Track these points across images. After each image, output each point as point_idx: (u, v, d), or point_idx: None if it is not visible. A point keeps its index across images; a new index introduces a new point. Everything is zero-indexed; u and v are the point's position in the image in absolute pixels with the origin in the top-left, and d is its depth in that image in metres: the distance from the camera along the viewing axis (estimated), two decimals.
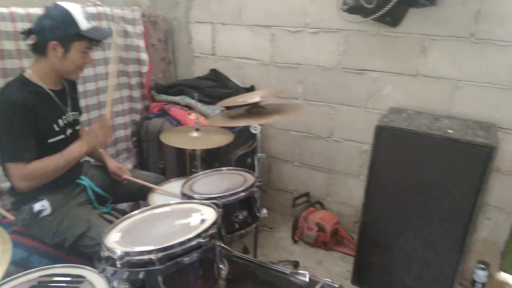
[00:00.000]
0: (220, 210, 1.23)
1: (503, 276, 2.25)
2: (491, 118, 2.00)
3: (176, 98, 2.44)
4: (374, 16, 1.89)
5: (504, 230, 2.16)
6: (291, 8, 2.37)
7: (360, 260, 2.12)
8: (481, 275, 2.13)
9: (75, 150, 1.51)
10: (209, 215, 1.19)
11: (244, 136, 2.34)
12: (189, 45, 2.81)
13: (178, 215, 1.23)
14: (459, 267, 1.86)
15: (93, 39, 1.52)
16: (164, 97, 2.50)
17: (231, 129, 2.03)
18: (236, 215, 1.41)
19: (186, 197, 1.41)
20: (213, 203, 1.27)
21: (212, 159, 2.20)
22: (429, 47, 2.05)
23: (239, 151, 2.36)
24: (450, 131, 1.76)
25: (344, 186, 2.56)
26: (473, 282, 2.16)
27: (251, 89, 2.59)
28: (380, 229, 2.00)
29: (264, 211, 1.65)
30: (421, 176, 1.80)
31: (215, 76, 2.64)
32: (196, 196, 1.39)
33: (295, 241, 2.53)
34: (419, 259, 1.92)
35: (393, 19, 1.98)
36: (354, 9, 2.00)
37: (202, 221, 1.16)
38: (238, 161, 2.33)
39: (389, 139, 1.82)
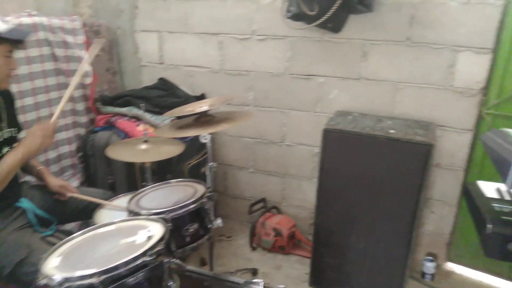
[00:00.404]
0: (169, 224, 1.20)
1: (450, 265, 2.38)
2: (430, 117, 2.12)
3: (123, 110, 2.36)
4: (317, 22, 1.94)
5: (448, 222, 2.30)
6: (237, 16, 2.38)
7: (316, 262, 2.16)
8: (429, 266, 2.24)
9: (9, 157, 1.39)
10: (156, 231, 1.16)
11: (196, 145, 2.31)
12: (135, 54, 2.74)
13: (124, 234, 1.19)
14: (408, 261, 1.94)
15: (14, 40, 1.42)
16: (110, 109, 2.41)
17: (182, 139, 2.00)
18: (187, 228, 1.38)
19: (133, 213, 1.36)
20: (161, 218, 1.24)
21: (164, 171, 2.15)
22: (369, 52, 2.15)
23: (192, 161, 2.32)
24: (392, 131, 1.84)
25: (298, 189, 2.60)
26: (423, 274, 2.27)
27: (201, 97, 2.57)
28: (333, 229, 2.05)
29: (219, 221, 1.64)
30: (368, 176, 1.87)
31: (164, 85, 2.59)
32: (143, 212, 1.34)
33: (253, 248, 2.52)
34: (371, 256, 1.98)
35: (334, 25, 2.05)
36: (297, 16, 2.04)
37: (149, 238, 1.12)
38: (191, 172, 2.29)
39: (336, 142, 1.88)
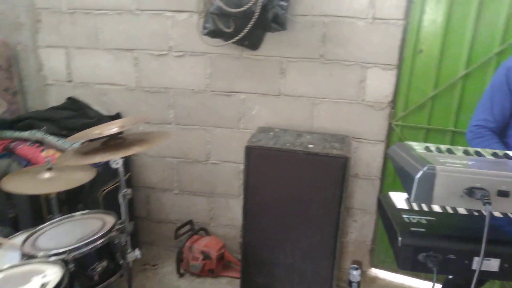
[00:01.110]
0: (71, 266, 1.06)
1: (374, 271, 2.48)
2: (346, 130, 2.21)
3: (25, 134, 2.11)
4: (233, 40, 1.93)
5: (370, 229, 2.40)
6: (152, 31, 2.28)
7: (246, 282, 2.10)
8: (355, 274, 2.30)
9: None
10: (53, 275, 1.01)
11: (111, 169, 2.13)
12: (39, 72, 2.48)
13: (14, 283, 1.01)
14: (334, 271, 1.98)
15: None
16: (9, 133, 2.14)
17: (94, 163, 1.82)
18: (94, 267, 1.23)
19: (26, 256, 1.18)
20: (61, 259, 1.08)
21: (74, 200, 1.94)
22: (287, 68, 2.19)
23: (107, 187, 2.14)
24: (311, 146, 1.88)
25: (226, 208, 2.54)
26: (350, 282, 2.32)
27: (116, 116, 2.40)
28: (261, 247, 2.02)
29: (137, 252, 1.51)
30: (291, 190, 1.88)
31: (74, 105, 2.38)
32: (39, 253, 1.17)
33: (181, 275, 2.39)
34: (299, 271, 1.98)
35: (251, 42, 2.06)
36: (214, 33, 2.01)
37: (43, 285, 0.97)
38: (107, 199, 2.11)
39: (259, 159, 1.86)
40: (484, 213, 0.78)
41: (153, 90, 2.40)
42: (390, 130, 2.20)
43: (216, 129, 2.39)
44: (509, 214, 0.99)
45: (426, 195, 0.83)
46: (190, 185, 2.54)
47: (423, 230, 0.98)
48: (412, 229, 0.99)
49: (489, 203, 0.76)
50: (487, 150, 1.05)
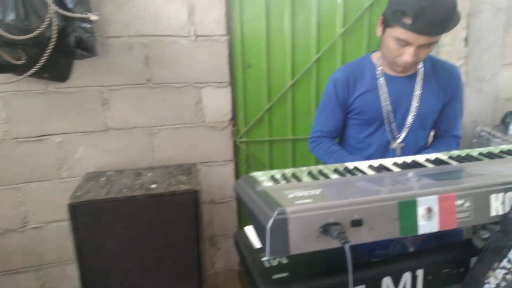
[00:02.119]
0: None
1: None
2: (191, 157, 2.03)
3: None
4: (28, 73, 1.52)
5: (235, 253, 2.27)
6: None
7: None
8: None
9: None
10: None
11: None
12: None
13: None
14: None
15: None
16: None
17: None
18: None
19: None
20: None
21: None
22: (110, 98, 1.87)
23: None
24: (153, 186, 1.62)
25: (63, 277, 2.04)
26: None
27: None
28: None
29: None
30: (138, 242, 1.59)
31: None
32: None
33: None
34: None
35: (55, 74, 1.67)
36: (0, 68, 1.55)
37: None
38: None
39: (89, 216, 1.51)
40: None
41: None
42: (236, 147, 2.12)
43: (29, 185, 1.88)
44: None
45: (282, 246, 0.70)
46: (6, 264, 1.95)
47: (286, 274, 0.85)
48: (274, 276, 0.85)
49: (348, 242, 0.67)
50: (329, 166, 1.00)
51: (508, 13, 2.23)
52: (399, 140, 1.44)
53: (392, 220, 0.74)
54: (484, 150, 1.08)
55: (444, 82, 1.43)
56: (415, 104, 1.41)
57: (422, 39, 1.21)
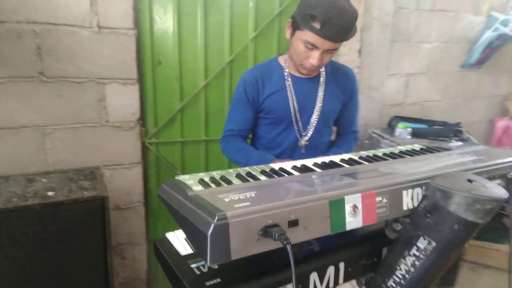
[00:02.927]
0: None
1: None
2: (93, 160, 1.85)
3: None
4: None
5: (143, 262, 2.14)
6: None
7: None
8: None
9: None
10: None
11: None
12: None
13: None
14: None
15: None
16: None
17: None
18: None
19: None
20: None
21: None
22: None
23: None
24: (50, 193, 1.43)
25: None
26: None
27: None
28: None
29: None
30: (35, 256, 1.37)
31: None
32: None
33: None
34: None
35: None
36: None
37: None
38: None
39: None
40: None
41: None
42: (145, 149, 2.00)
43: None
44: None
45: (223, 252, 0.67)
46: None
47: (218, 280, 0.83)
48: (207, 283, 0.82)
49: (289, 242, 0.68)
50: (256, 168, 1.01)
51: (393, 29, 2.55)
52: (306, 138, 1.53)
53: (324, 218, 0.78)
54: (387, 150, 1.21)
55: (343, 84, 1.57)
56: (319, 104, 1.51)
57: (327, 44, 1.30)
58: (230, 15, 1.96)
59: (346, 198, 0.80)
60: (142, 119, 1.94)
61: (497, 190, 0.78)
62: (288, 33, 1.40)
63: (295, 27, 1.34)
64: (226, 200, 0.75)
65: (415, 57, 2.77)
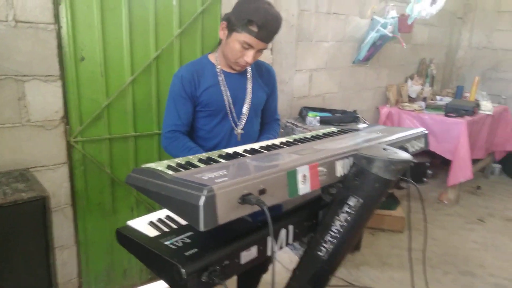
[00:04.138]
0: None
1: None
2: (16, 163, 1.74)
3: None
4: None
5: (73, 264, 2.08)
6: None
7: None
8: None
9: None
10: None
11: None
12: None
13: None
14: None
15: None
16: None
17: None
18: None
19: None
20: None
21: None
22: None
23: None
24: None
25: None
26: None
27: None
28: None
29: None
30: None
31: None
32: None
33: None
34: None
35: None
36: None
37: None
38: None
39: None
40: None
41: None
42: (71, 148, 1.93)
43: None
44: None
45: (212, 218, 0.80)
46: None
47: (196, 250, 0.95)
48: (186, 253, 0.94)
49: (265, 205, 0.84)
50: (215, 153, 1.15)
51: (298, 29, 2.86)
52: (241, 127, 1.71)
53: (284, 186, 0.96)
54: (313, 133, 1.45)
55: (266, 78, 1.79)
56: (249, 96, 1.70)
57: (261, 45, 1.51)
58: (155, 12, 2.01)
59: (298, 169, 0.99)
60: (66, 117, 1.88)
61: (404, 154, 1.06)
62: (222, 33, 1.55)
63: (231, 29, 1.50)
64: (205, 178, 0.88)
65: (316, 55, 3.14)
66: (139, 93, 2.06)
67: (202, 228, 0.79)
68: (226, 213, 0.83)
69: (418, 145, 1.44)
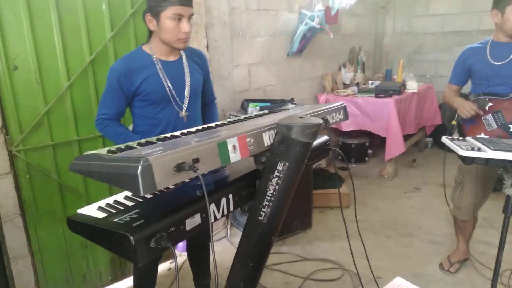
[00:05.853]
0: None
1: None
2: None
3: None
4: None
5: (29, 274, 2.07)
6: None
7: None
8: None
9: None
10: None
11: None
12: None
13: None
14: None
15: None
16: None
17: None
18: None
19: None
20: None
21: None
22: None
23: None
24: None
25: None
26: None
27: None
28: None
29: None
30: None
31: None
32: None
33: None
34: None
35: None
36: None
37: None
38: None
39: None
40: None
41: None
42: (13, 158, 1.94)
43: None
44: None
45: (150, 184, 0.91)
46: None
47: (142, 221, 1.06)
48: (134, 224, 1.04)
49: (198, 169, 0.97)
50: (153, 138, 1.25)
51: (231, 26, 3.01)
52: (185, 109, 1.82)
53: (215, 155, 1.09)
54: (247, 115, 1.60)
55: (201, 63, 1.93)
56: (188, 79, 1.82)
57: (188, 10, 1.64)
58: (85, 17, 2.05)
59: (228, 140, 1.13)
60: (5, 126, 1.88)
61: (316, 120, 1.23)
62: (152, 25, 1.67)
63: (156, 14, 1.62)
64: (142, 153, 0.99)
65: (252, 50, 3.32)
66: (78, 97, 2.10)
67: (142, 193, 0.90)
68: (163, 180, 0.95)
69: (338, 117, 1.64)
